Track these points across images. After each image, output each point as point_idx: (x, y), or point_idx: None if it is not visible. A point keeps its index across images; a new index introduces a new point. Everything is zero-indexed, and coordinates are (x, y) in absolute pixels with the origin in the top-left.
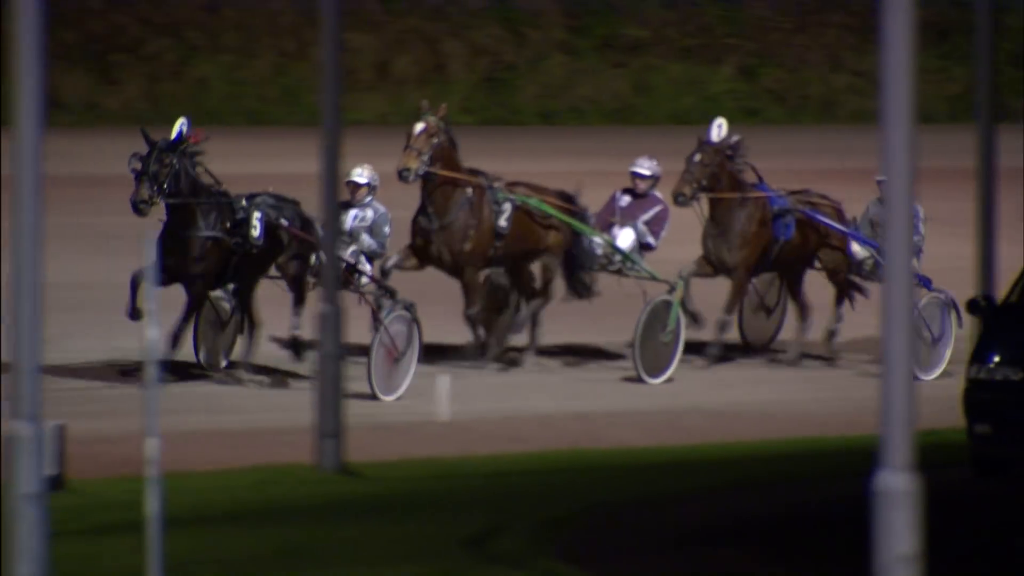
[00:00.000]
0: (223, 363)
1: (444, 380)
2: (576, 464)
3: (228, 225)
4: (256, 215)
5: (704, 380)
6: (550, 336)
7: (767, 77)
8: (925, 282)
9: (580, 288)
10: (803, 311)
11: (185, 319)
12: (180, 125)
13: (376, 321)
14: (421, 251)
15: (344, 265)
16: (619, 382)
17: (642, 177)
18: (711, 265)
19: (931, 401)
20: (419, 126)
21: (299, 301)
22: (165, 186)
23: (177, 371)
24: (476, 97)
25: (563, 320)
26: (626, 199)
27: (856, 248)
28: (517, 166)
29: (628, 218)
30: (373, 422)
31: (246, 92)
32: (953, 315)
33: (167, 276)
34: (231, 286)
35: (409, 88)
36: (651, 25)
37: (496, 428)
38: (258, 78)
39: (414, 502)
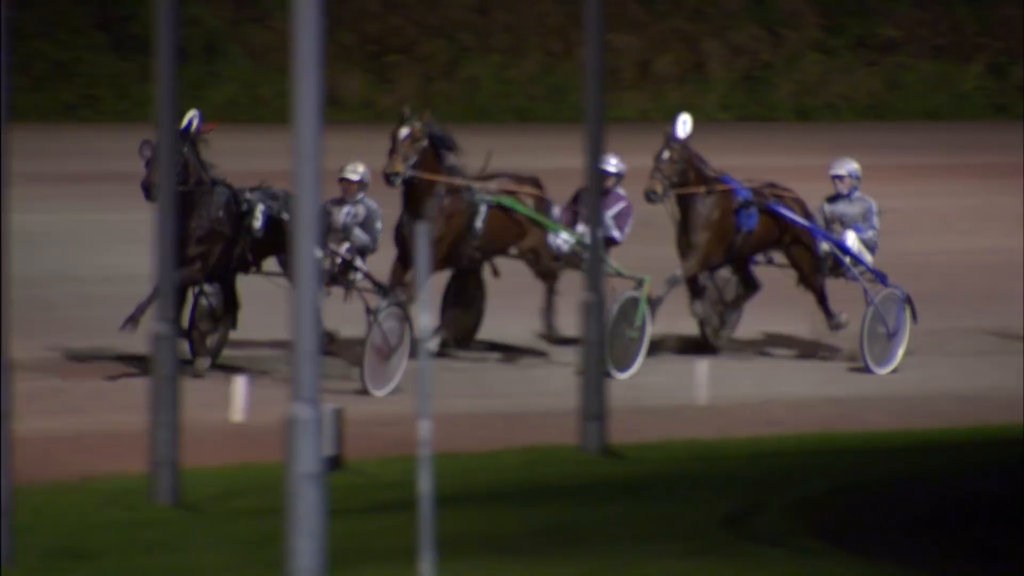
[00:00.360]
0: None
1: (703, 365)
2: (830, 446)
3: (222, 215)
4: (260, 207)
5: (955, 366)
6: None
7: (1016, 75)
8: (880, 277)
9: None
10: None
11: (149, 300)
12: (190, 116)
13: (370, 317)
14: (406, 255)
15: (340, 261)
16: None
17: (608, 174)
18: (683, 258)
19: (903, 398)
20: (404, 131)
21: None
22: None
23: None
24: (734, 95)
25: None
26: None
27: (822, 244)
28: (773, 161)
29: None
30: (634, 406)
31: (514, 91)
32: (908, 311)
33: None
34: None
35: (670, 86)
36: (904, 24)
37: (753, 412)
38: (526, 77)
39: (674, 482)
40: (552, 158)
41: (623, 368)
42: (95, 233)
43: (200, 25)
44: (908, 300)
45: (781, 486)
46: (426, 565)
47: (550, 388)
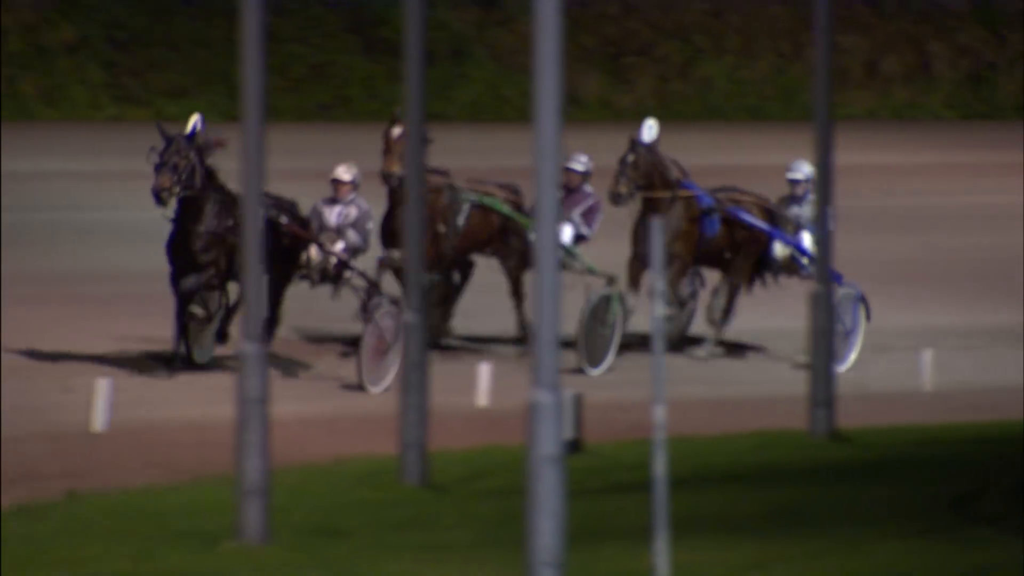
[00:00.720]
0: (207, 357)
1: (927, 354)
2: None
3: (231, 223)
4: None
5: None
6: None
7: None
8: (836, 277)
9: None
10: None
11: (222, 314)
12: (194, 122)
13: (366, 315)
14: (389, 247)
15: (336, 261)
16: None
17: (576, 172)
18: (642, 264)
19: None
20: (397, 130)
21: (276, 302)
22: (183, 177)
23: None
24: (959, 94)
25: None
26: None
27: (776, 247)
28: (997, 157)
29: (562, 212)
30: (861, 392)
31: (747, 90)
32: (862, 309)
33: (179, 272)
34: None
35: (896, 86)
36: None
37: (976, 399)
38: (758, 77)
39: (900, 466)
40: (782, 155)
41: (596, 364)
42: None
43: (447, 29)
44: (863, 299)
45: (1005, 470)
46: (660, 544)
47: (779, 376)
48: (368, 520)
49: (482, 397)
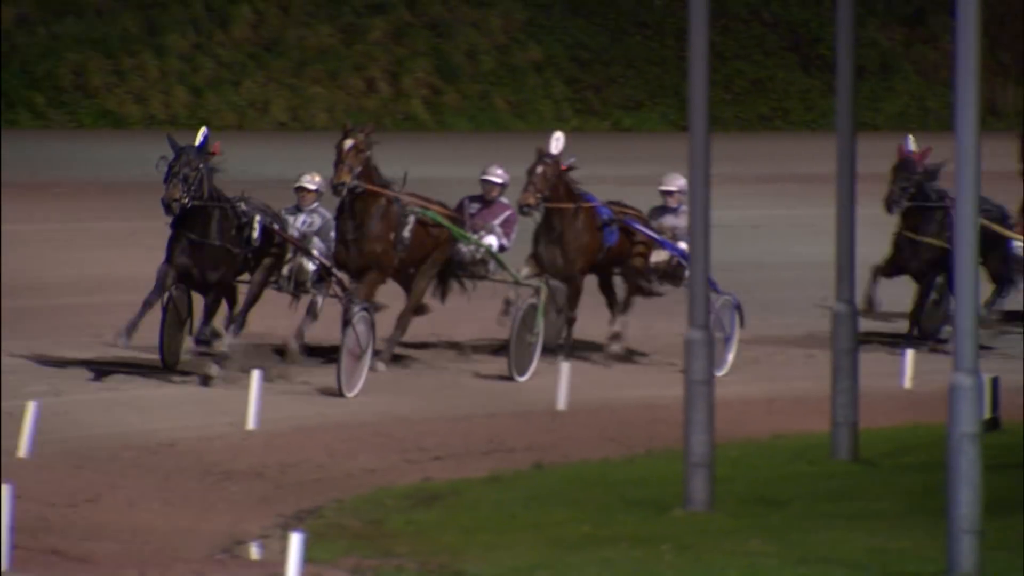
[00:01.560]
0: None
1: None
2: None
3: (233, 232)
4: (257, 219)
5: None
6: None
7: None
8: (712, 285)
9: (454, 286)
10: (624, 305)
11: (205, 321)
12: (202, 134)
13: (345, 321)
14: (340, 257)
15: (317, 265)
16: None
17: (493, 184)
18: (540, 266)
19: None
20: (348, 143)
21: (251, 303)
22: (193, 188)
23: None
24: None
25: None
26: (475, 206)
27: (655, 254)
28: None
29: (480, 224)
30: None
31: None
32: (737, 317)
33: (176, 275)
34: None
35: None
36: None
37: None
38: None
39: None
40: None
41: (523, 372)
42: (783, 226)
43: (876, 46)
44: (738, 307)
45: None
46: None
47: None
48: (803, 491)
49: (907, 380)
